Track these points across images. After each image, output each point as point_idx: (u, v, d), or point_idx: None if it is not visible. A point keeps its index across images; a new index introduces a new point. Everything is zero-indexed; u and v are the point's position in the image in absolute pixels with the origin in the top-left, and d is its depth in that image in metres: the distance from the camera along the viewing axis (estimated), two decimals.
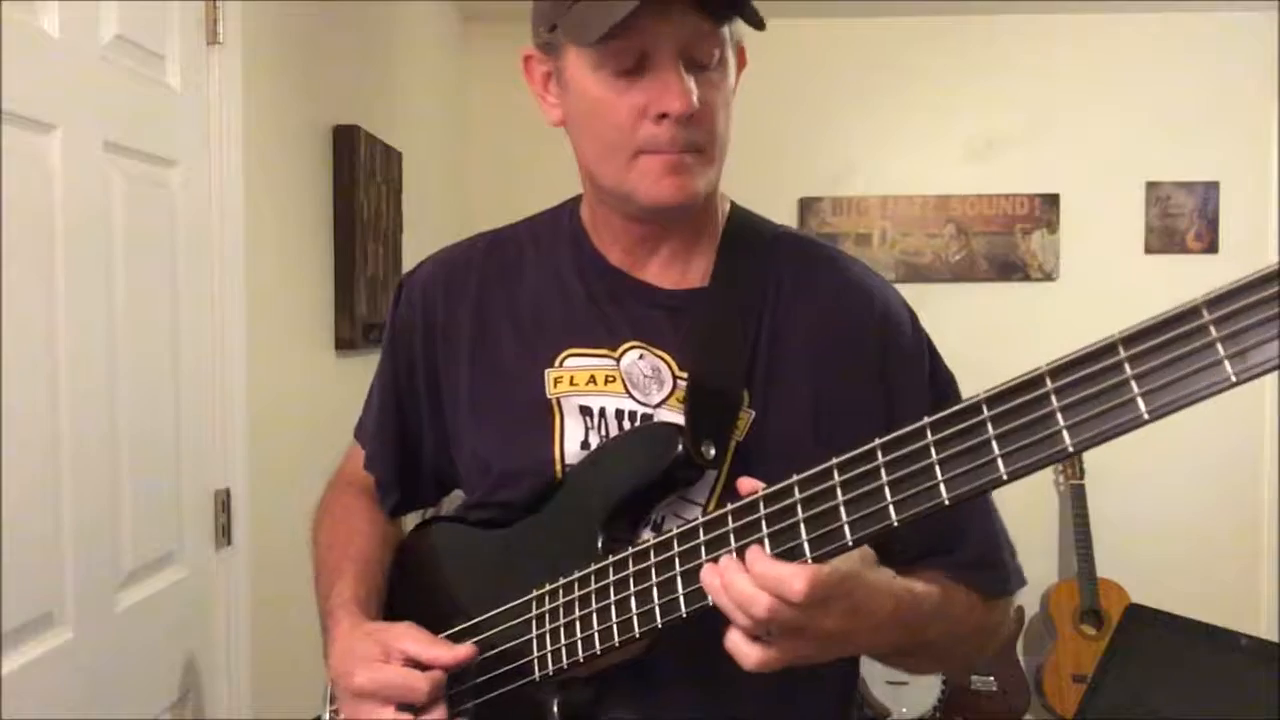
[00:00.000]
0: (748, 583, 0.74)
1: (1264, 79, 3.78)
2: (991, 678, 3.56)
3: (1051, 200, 3.93)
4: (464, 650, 0.94)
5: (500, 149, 3.88)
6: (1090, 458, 3.74)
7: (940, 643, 0.93)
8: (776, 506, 0.76)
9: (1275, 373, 0.57)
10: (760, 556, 0.74)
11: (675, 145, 0.90)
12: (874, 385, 0.97)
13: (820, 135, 3.97)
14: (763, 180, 3.51)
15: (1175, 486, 3.87)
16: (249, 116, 1.93)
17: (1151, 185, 3.92)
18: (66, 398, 1.44)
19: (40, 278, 1.39)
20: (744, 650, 0.77)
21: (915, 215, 3.96)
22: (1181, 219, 3.92)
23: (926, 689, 3.47)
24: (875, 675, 3.46)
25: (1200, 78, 3.85)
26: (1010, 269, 3.96)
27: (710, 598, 0.77)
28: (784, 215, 4.06)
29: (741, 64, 0.99)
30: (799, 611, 0.73)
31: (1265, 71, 3.76)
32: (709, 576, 0.77)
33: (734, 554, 0.77)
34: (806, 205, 3.96)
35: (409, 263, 2.92)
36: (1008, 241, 3.96)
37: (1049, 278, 3.94)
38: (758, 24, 0.91)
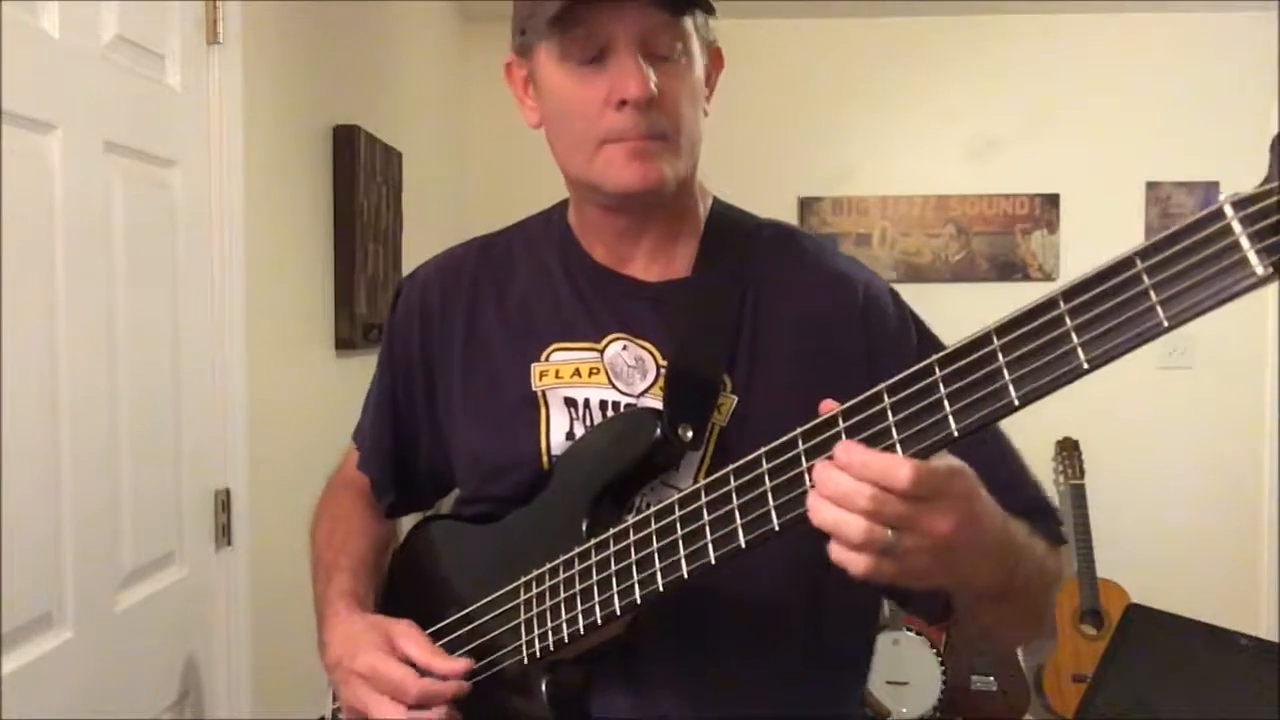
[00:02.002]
0: (845, 478, 0.70)
1: (1264, 79, 3.78)
2: (991, 678, 3.56)
3: (1051, 200, 3.93)
4: (459, 664, 0.95)
5: (500, 149, 3.88)
6: (1090, 457, 3.75)
7: (1027, 589, 0.89)
8: (747, 478, 0.78)
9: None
10: (857, 447, 0.70)
11: (637, 131, 0.93)
12: (859, 368, 0.98)
13: (820, 135, 3.97)
14: (763, 180, 3.52)
15: (1175, 487, 3.87)
16: (249, 116, 1.93)
17: (1151, 185, 3.92)
18: (66, 397, 1.44)
19: (40, 278, 1.39)
20: (849, 556, 0.71)
21: (915, 215, 3.97)
22: (1181, 219, 3.91)
23: (926, 689, 3.47)
24: (875, 675, 3.46)
25: (1200, 78, 3.85)
26: (1010, 269, 3.96)
27: (820, 523, 0.72)
28: (784, 215, 4.02)
29: (718, 66, 1.02)
30: (907, 504, 0.69)
31: (1265, 71, 3.76)
32: (815, 501, 0.72)
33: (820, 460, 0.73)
34: (806, 205, 3.96)
35: (409, 263, 2.92)
36: (1008, 241, 3.96)
37: (1049, 278, 3.93)
38: (709, 9, 0.95)
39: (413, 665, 0.95)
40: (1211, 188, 3.91)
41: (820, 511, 0.71)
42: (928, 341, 1.03)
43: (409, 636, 0.97)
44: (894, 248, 3.96)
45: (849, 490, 0.69)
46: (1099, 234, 3.91)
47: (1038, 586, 0.90)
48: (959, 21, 3.90)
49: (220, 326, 1.88)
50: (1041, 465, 3.85)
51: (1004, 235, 3.96)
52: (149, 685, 1.68)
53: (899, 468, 0.68)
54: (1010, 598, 0.87)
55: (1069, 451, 3.77)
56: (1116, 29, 3.88)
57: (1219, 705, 1.70)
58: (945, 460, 0.71)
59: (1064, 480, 3.80)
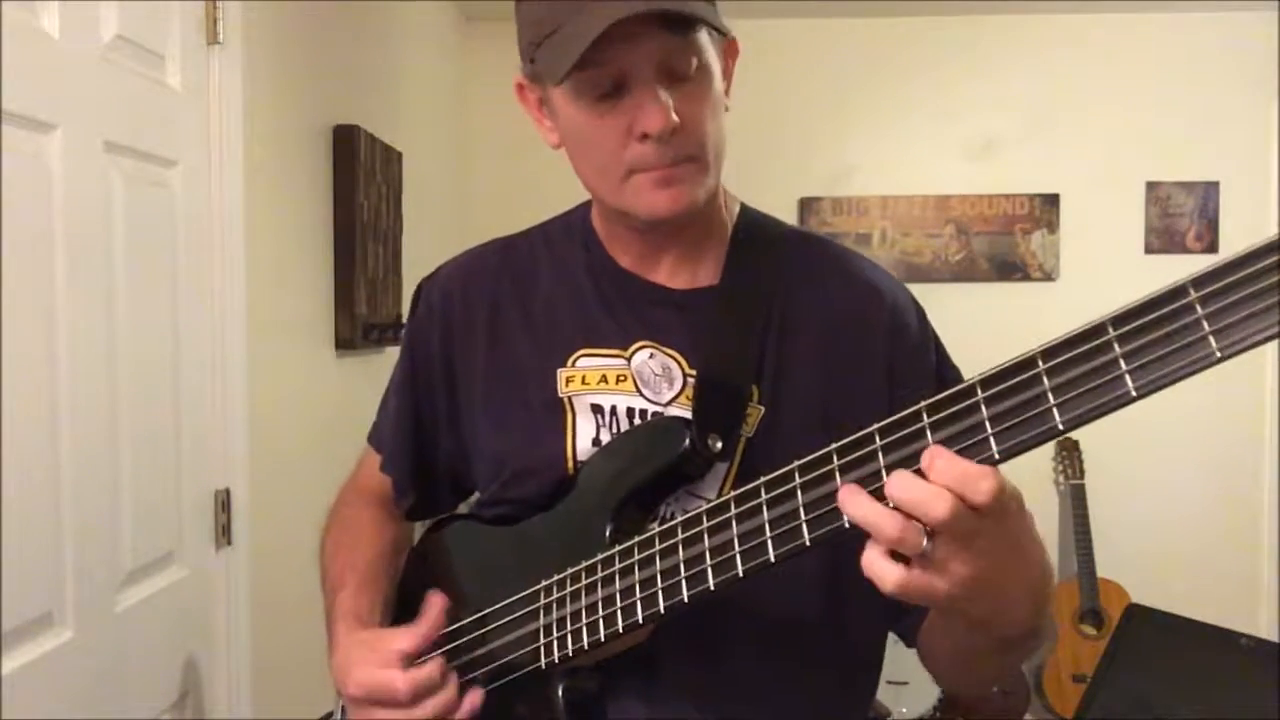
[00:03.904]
0: (919, 484, 0.67)
1: (1264, 79, 3.78)
2: None
3: (1051, 200, 3.94)
4: (434, 603, 0.97)
5: (500, 149, 3.88)
6: (1090, 457, 3.75)
7: (1038, 636, 0.85)
8: (779, 491, 0.76)
9: (1268, 348, 0.58)
10: (943, 451, 0.67)
11: (664, 160, 0.92)
12: (881, 381, 0.98)
13: (820, 135, 3.97)
14: (763, 180, 3.52)
15: (1175, 486, 3.87)
16: (249, 116, 1.93)
17: (1151, 185, 3.92)
18: (66, 398, 1.44)
19: (40, 278, 1.39)
20: (884, 569, 0.69)
21: (915, 215, 3.97)
22: (1181, 219, 3.92)
23: (926, 689, 3.47)
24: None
25: (1200, 78, 3.86)
26: (1010, 269, 3.96)
27: (852, 516, 0.69)
28: (784, 215, 4.02)
29: (733, 53, 1.00)
30: (977, 518, 0.66)
31: (1265, 71, 3.76)
32: (849, 495, 0.69)
33: (884, 471, 0.70)
34: (806, 205, 3.96)
35: (409, 263, 2.92)
36: (1008, 241, 3.96)
37: (1049, 278, 3.94)
38: (724, 33, 0.92)
39: (409, 657, 0.95)
40: (1211, 188, 3.91)
41: (857, 507, 0.68)
42: (946, 370, 1.02)
43: (397, 635, 0.97)
44: (894, 248, 3.96)
45: (923, 498, 0.66)
46: (1099, 234, 3.91)
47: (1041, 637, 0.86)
48: (959, 21, 3.90)
49: (220, 326, 1.88)
50: (1041, 465, 3.85)
51: (1004, 235, 3.96)
52: (149, 685, 1.68)
53: (982, 479, 0.65)
54: (1026, 643, 0.83)
55: (1069, 451, 3.77)
56: (1116, 29, 3.88)
57: (1219, 705, 1.70)
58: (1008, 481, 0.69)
59: (1064, 480, 3.80)
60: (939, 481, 0.66)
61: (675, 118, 0.89)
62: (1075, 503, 3.71)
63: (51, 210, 1.42)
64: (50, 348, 1.41)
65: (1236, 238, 3.87)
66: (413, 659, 0.96)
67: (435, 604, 0.98)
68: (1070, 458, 3.77)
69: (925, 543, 0.67)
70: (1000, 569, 0.70)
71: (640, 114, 0.90)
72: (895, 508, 0.67)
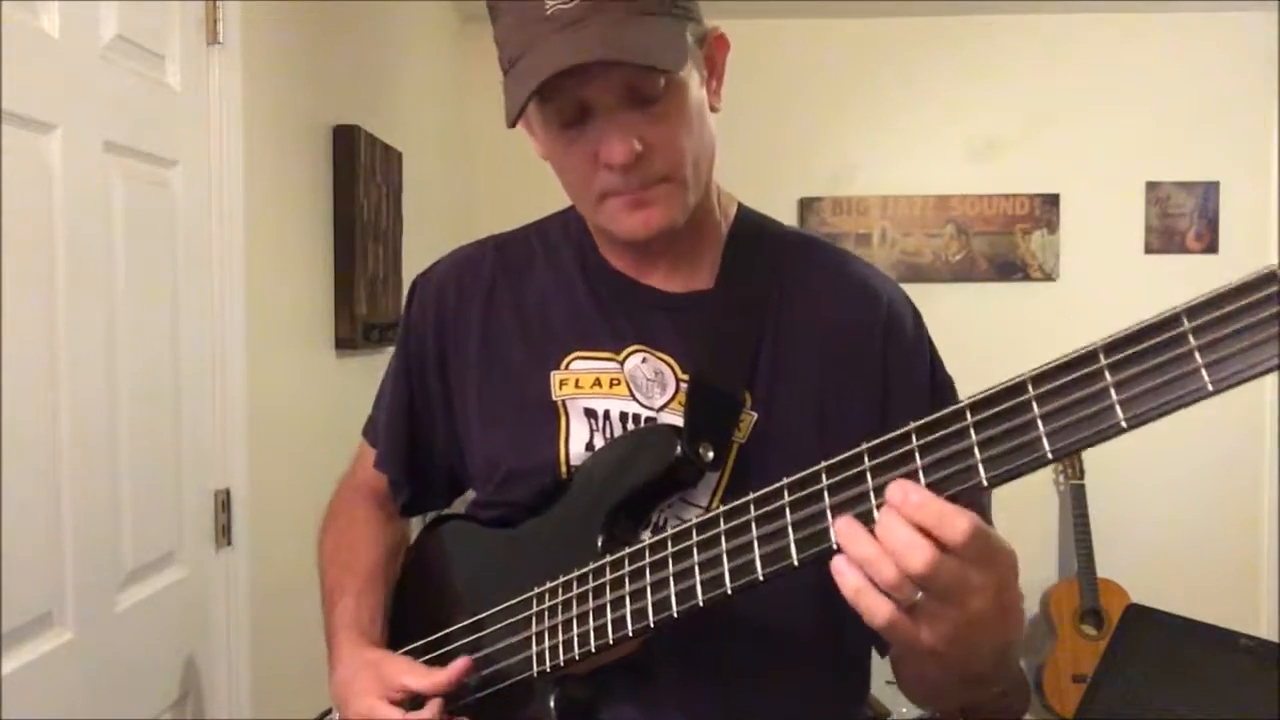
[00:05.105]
0: (903, 526, 0.65)
1: (1264, 79, 3.78)
2: None
3: (1051, 200, 3.94)
4: (459, 665, 0.95)
5: (500, 149, 3.87)
6: (1090, 458, 3.75)
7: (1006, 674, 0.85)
8: (768, 509, 0.75)
9: (1258, 380, 0.57)
10: (916, 487, 0.66)
11: (633, 185, 0.91)
12: (876, 384, 0.98)
13: (820, 135, 3.97)
14: (763, 180, 3.51)
15: (1175, 486, 3.87)
16: (249, 116, 1.93)
17: (1151, 185, 3.92)
18: (66, 398, 1.44)
19: (40, 278, 1.39)
20: (875, 604, 0.68)
21: (915, 215, 3.97)
22: (1181, 219, 3.92)
23: None
24: (875, 675, 3.45)
25: (1200, 78, 3.86)
26: (1010, 269, 3.96)
27: (852, 554, 0.68)
28: (784, 215, 4.02)
29: (722, 47, 0.98)
30: (959, 563, 0.65)
31: (1265, 71, 3.76)
32: (848, 530, 0.68)
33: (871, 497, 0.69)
34: (806, 205, 3.96)
35: (409, 263, 2.92)
36: (1008, 241, 3.96)
37: (1049, 278, 3.94)
38: (678, 66, 0.88)
39: (415, 695, 0.95)
40: (1211, 188, 3.91)
41: (858, 546, 0.67)
42: (939, 378, 1.02)
43: (405, 671, 0.96)
44: (894, 248, 3.96)
45: (899, 547, 0.65)
46: (1099, 234, 3.91)
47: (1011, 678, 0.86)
48: (959, 22, 3.90)
49: (220, 326, 1.88)
50: None
51: (1004, 235, 3.96)
52: (149, 685, 1.68)
53: (958, 519, 0.64)
54: (986, 687, 0.83)
55: None
56: (1116, 29, 3.88)
57: (1219, 705, 1.70)
58: (998, 535, 0.68)
59: (1064, 480, 3.80)
60: (913, 519, 0.65)
61: (638, 146, 0.88)
62: (1075, 503, 3.71)
63: (51, 210, 1.41)
64: (50, 347, 1.41)
65: (1236, 238, 3.87)
66: (418, 701, 0.95)
67: (460, 668, 0.95)
68: (1070, 458, 3.77)
69: (918, 595, 0.67)
70: (981, 628, 0.70)
71: (602, 145, 0.89)
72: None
